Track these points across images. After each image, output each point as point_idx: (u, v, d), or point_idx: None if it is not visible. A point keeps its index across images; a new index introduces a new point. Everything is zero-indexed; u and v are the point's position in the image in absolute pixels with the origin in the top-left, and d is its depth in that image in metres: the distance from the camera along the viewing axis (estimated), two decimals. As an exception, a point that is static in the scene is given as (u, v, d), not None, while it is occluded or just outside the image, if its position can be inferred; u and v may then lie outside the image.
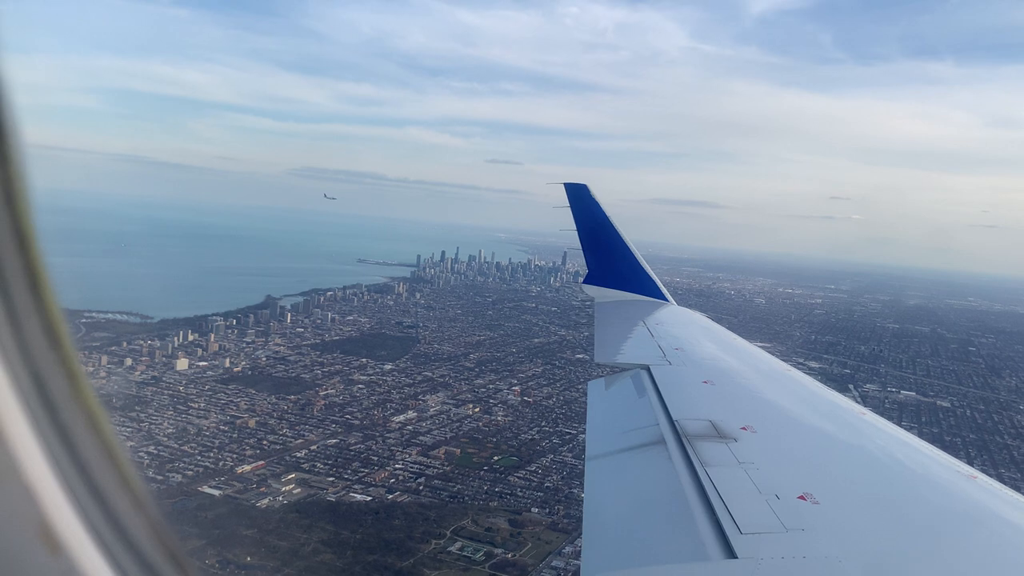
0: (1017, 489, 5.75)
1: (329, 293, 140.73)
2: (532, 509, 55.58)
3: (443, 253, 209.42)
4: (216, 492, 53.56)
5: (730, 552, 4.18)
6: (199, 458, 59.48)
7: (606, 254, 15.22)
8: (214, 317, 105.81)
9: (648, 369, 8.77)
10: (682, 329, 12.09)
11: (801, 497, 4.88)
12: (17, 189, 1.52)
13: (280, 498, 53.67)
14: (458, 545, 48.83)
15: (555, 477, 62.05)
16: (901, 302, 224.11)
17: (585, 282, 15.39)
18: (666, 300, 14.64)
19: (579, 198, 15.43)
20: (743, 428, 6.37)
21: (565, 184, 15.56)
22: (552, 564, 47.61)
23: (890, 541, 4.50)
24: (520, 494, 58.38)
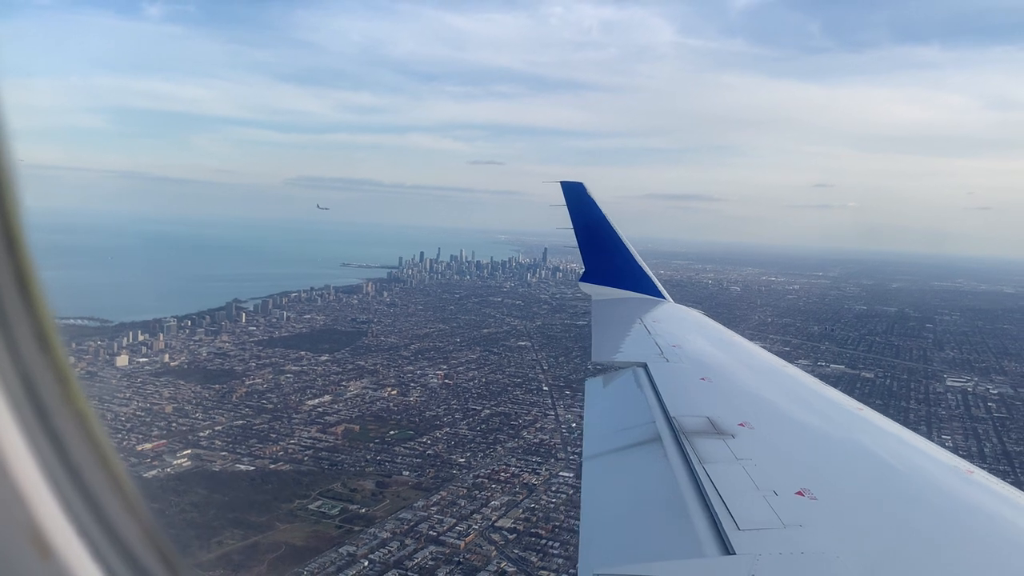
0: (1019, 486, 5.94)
1: (294, 294, 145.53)
2: (403, 472, 59.61)
3: (422, 254, 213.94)
4: (110, 466, 58.08)
5: (728, 548, 4.19)
6: (106, 439, 64.09)
7: (602, 252, 15.31)
8: (168, 319, 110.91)
9: (645, 366, 8.76)
10: (679, 326, 12.28)
11: (799, 493, 4.89)
12: (6, 193, 1.53)
13: (168, 470, 58.16)
14: (318, 504, 52.97)
15: (440, 447, 65.98)
16: (883, 286, 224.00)
17: (582, 280, 15.50)
18: (663, 298, 14.70)
19: (575, 196, 15.58)
20: (740, 424, 6.39)
21: (562, 183, 15.75)
22: (400, 516, 51.60)
23: (888, 536, 4.50)
24: (399, 461, 62.34)
